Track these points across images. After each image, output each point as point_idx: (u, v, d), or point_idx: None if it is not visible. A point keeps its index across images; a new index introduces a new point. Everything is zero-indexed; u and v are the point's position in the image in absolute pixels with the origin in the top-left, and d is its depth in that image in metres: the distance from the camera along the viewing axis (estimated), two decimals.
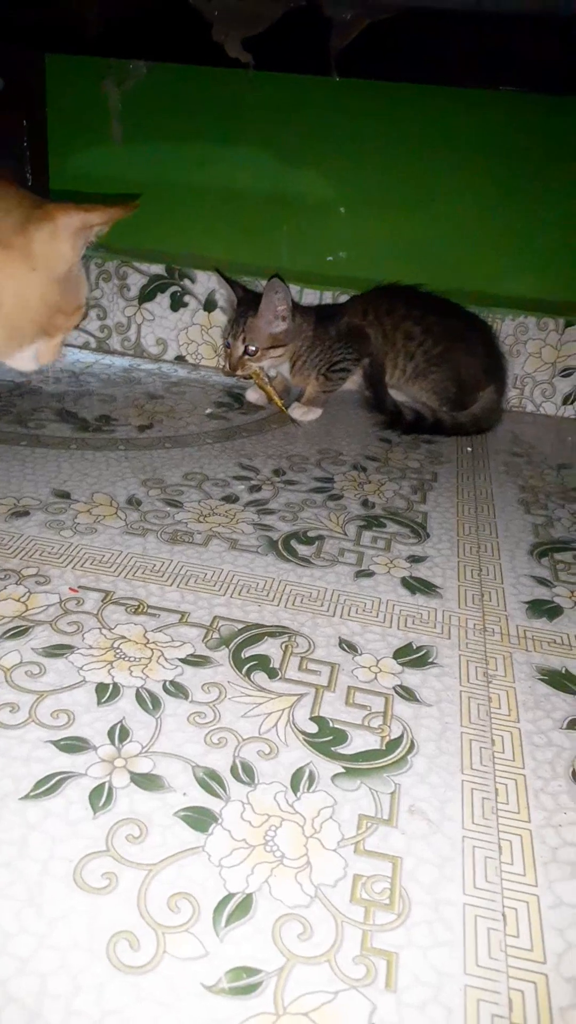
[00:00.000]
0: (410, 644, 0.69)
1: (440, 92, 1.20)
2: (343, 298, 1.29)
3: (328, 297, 1.32)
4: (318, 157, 1.30)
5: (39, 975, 0.39)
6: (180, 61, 1.20)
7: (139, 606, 0.70)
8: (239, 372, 1.18)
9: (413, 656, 0.67)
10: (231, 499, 0.92)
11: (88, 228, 0.64)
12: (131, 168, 1.35)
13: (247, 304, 1.17)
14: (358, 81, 1.20)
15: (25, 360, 0.70)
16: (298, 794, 0.51)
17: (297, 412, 1.19)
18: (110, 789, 0.50)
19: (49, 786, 0.50)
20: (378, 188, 1.30)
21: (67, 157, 1.36)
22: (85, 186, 1.37)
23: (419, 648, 0.69)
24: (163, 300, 1.37)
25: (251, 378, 1.20)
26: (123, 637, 0.66)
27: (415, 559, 0.83)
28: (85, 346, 1.43)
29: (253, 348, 1.15)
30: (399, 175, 1.28)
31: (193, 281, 1.34)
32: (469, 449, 1.16)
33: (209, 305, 1.35)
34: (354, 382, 1.25)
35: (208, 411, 1.20)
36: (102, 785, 0.51)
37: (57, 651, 0.63)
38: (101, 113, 1.32)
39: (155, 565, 0.77)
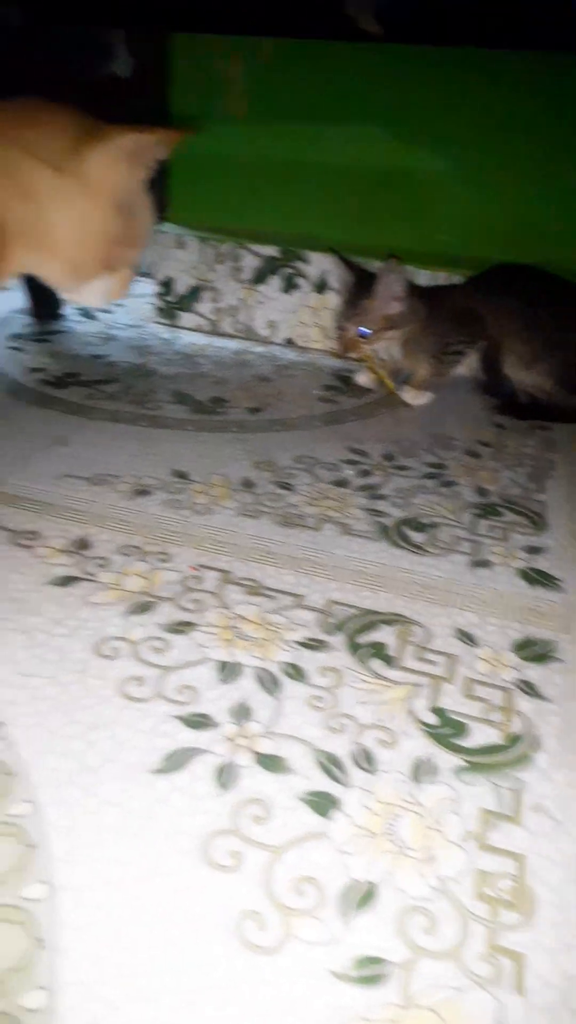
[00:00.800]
0: (530, 638, 0.67)
1: (566, 60, 1.14)
2: (458, 279, 1.26)
3: (443, 278, 1.28)
4: (437, 134, 1.26)
5: (170, 946, 0.41)
6: (309, 36, 1.18)
7: (255, 587, 0.71)
8: (351, 353, 1.17)
9: (534, 650, 0.66)
10: (342, 483, 0.92)
11: (146, 150, 0.61)
12: (249, 149, 1.35)
13: (362, 285, 1.15)
14: (482, 52, 1.16)
15: (92, 295, 0.68)
16: (419, 784, 0.51)
17: (408, 395, 1.17)
18: (234, 768, 0.51)
19: (175, 760, 0.52)
20: (498, 165, 1.25)
21: (188, 138, 1.37)
22: (204, 168, 1.38)
23: (539, 642, 0.67)
24: (276, 282, 1.37)
25: (362, 361, 1.19)
26: (241, 617, 0.67)
27: (533, 550, 0.81)
28: (198, 328, 1.45)
29: (367, 330, 1.14)
30: (519, 151, 1.23)
31: (307, 263, 1.34)
32: None
33: (321, 287, 1.34)
34: (468, 366, 1.22)
35: (317, 393, 1.20)
36: (226, 763, 0.52)
37: (180, 628, 0.65)
38: (223, 93, 1.32)
39: (269, 547, 0.78)
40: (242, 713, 0.56)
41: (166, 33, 1.30)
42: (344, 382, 1.25)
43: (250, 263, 1.37)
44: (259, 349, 1.38)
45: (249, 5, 1.11)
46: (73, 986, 0.38)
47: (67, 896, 0.42)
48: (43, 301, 1.43)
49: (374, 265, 1.16)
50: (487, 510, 0.88)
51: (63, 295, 0.70)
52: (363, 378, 1.23)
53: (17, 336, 1.34)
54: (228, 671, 0.60)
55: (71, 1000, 0.38)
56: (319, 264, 1.33)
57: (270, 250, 1.35)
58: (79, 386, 1.14)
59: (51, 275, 0.66)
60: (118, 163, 0.59)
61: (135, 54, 1.24)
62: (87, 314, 1.48)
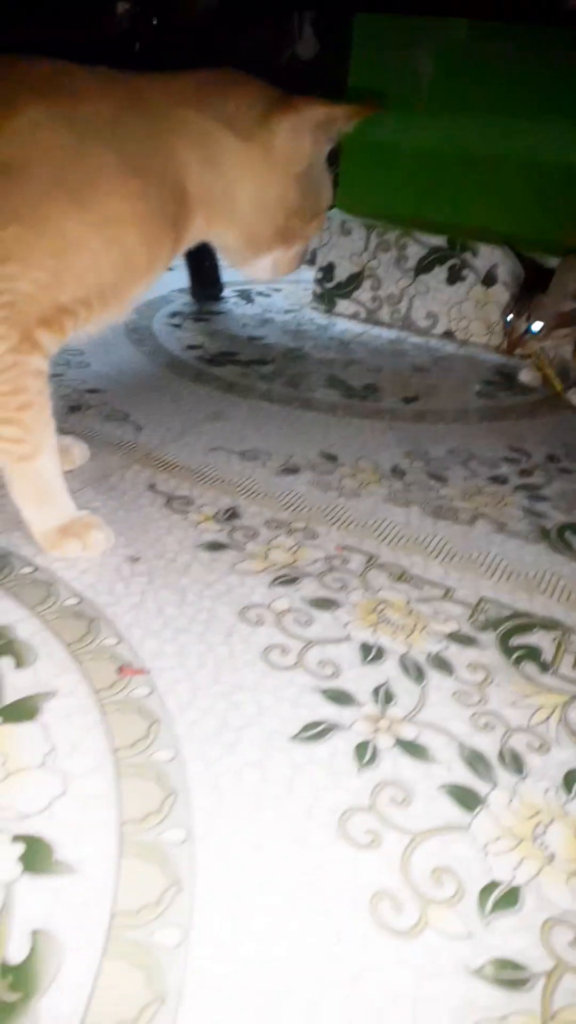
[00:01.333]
0: None
1: None
2: None
3: None
4: None
5: (304, 914, 0.40)
6: (502, 18, 1.14)
7: (402, 574, 0.69)
8: (518, 351, 1.12)
9: None
10: (499, 480, 0.89)
11: (332, 123, 0.60)
12: (424, 135, 1.33)
13: (535, 280, 1.10)
14: None
15: (263, 269, 0.68)
16: (571, 795, 0.48)
17: None
18: (375, 749, 0.50)
19: (315, 732, 0.51)
20: None
21: (362, 123, 1.36)
22: (376, 153, 1.37)
23: None
24: (440, 273, 1.34)
25: (530, 358, 1.14)
26: (386, 602, 0.65)
27: None
28: (355, 316, 1.44)
29: (538, 327, 1.09)
30: None
31: (475, 255, 1.30)
32: None
33: (489, 280, 1.30)
34: None
35: (477, 388, 1.16)
36: (367, 742, 0.50)
37: (323, 604, 0.64)
38: (401, 77, 1.31)
39: (418, 537, 0.76)
40: (384, 696, 0.55)
41: (350, 14, 1.29)
42: (506, 379, 1.21)
43: (415, 252, 1.34)
44: (416, 340, 1.36)
45: None
46: (207, 935, 0.38)
47: (206, 845, 0.43)
48: (204, 281, 1.47)
49: (549, 261, 1.11)
50: None
51: (237, 266, 0.71)
52: (528, 376, 1.19)
53: (176, 314, 1.38)
54: (371, 653, 0.59)
55: (204, 948, 0.38)
56: (488, 257, 1.29)
57: (437, 240, 1.32)
58: (234, 365, 1.16)
59: (228, 245, 0.67)
60: (304, 135, 0.60)
61: (319, 36, 1.24)
62: (246, 297, 1.51)
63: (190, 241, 0.65)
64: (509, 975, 0.38)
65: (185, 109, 0.58)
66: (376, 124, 1.36)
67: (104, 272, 0.58)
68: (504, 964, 0.38)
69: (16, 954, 0.37)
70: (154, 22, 1.22)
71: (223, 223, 0.64)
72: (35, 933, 0.38)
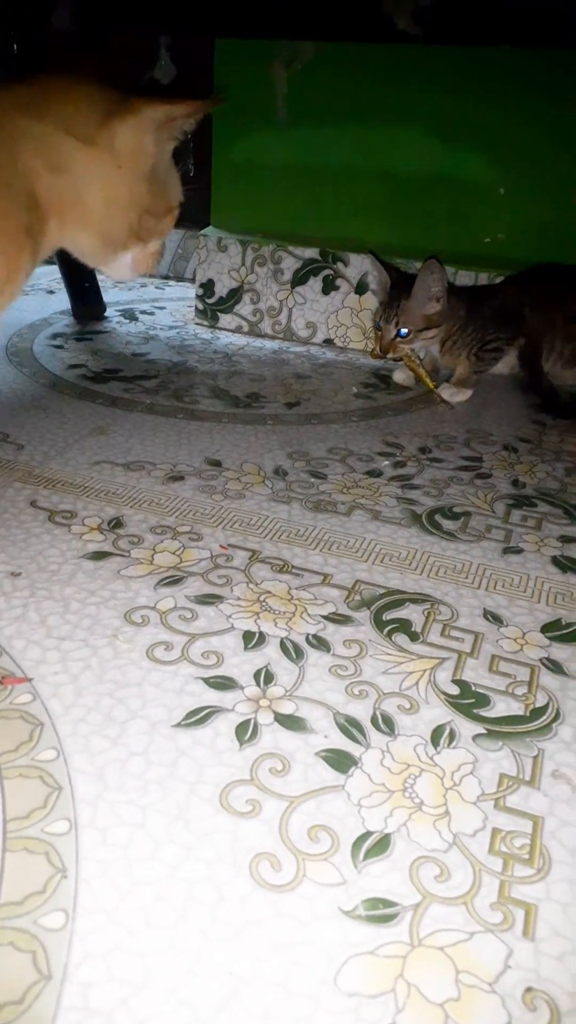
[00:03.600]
0: (559, 620, 0.67)
1: None
2: (500, 280, 1.27)
3: (484, 279, 1.29)
4: (479, 136, 1.28)
5: (187, 882, 0.42)
6: (349, 39, 1.21)
7: (284, 566, 0.72)
8: (390, 354, 1.18)
9: (562, 631, 0.65)
10: (375, 473, 0.93)
11: (173, 121, 0.62)
12: (291, 152, 1.38)
13: (400, 286, 1.16)
14: (529, 52, 1.17)
15: (122, 268, 0.70)
16: (438, 748, 0.51)
17: (447, 392, 1.18)
18: (255, 725, 0.52)
19: (199, 717, 0.53)
20: (540, 167, 1.26)
21: (230, 142, 1.41)
22: (246, 171, 1.42)
23: (568, 624, 0.66)
24: (315, 284, 1.39)
25: (401, 360, 1.20)
26: (269, 592, 0.68)
27: (568, 539, 0.81)
28: (238, 329, 1.48)
29: (406, 330, 1.15)
30: (562, 153, 1.24)
31: (346, 264, 1.36)
32: None
33: (361, 288, 1.36)
34: (508, 364, 1.22)
35: (354, 390, 1.21)
36: (248, 721, 0.53)
37: (208, 600, 0.66)
38: (264, 97, 1.36)
39: (299, 530, 0.79)
40: (265, 677, 0.57)
41: (209, 38, 1.34)
42: (382, 380, 1.26)
43: (290, 264, 1.39)
44: (298, 349, 1.40)
45: (289, 9, 1.14)
46: (93, 912, 0.40)
47: (90, 833, 0.44)
48: (85, 301, 1.48)
49: (414, 267, 1.17)
50: (521, 501, 0.88)
51: (97, 266, 0.72)
52: (401, 376, 1.25)
53: (58, 335, 1.39)
54: (253, 640, 0.61)
55: (90, 924, 0.39)
56: (359, 266, 1.35)
57: (311, 252, 1.37)
58: (119, 381, 1.18)
59: (84, 247, 0.68)
60: (147, 135, 0.61)
61: (177, 60, 1.28)
62: (129, 315, 1.52)
63: (48, 248, 0.66)
64: (380, 912, 0.41)
65: (25, 117, 0.59)
66: (244, 143, 1.41)
67: None
68: (375, 903, 0.41)
69: None
70: (14, 48, 1.23)
71: (76, 226, 0.65)
72: None
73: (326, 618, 0.65)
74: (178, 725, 0.52)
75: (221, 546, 0.75)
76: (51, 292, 1.63)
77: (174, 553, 0.73)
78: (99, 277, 1.50)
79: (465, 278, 1.30)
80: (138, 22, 1.14)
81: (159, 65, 1.29)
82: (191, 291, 1.54)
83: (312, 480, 0.90)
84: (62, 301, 1.50)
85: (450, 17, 1.05)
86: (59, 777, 0.47)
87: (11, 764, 0.48)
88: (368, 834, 0.45)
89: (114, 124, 0.60)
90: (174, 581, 0.69)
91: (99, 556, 0.72)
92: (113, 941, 0.38)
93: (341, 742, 0.52)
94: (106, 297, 1.52)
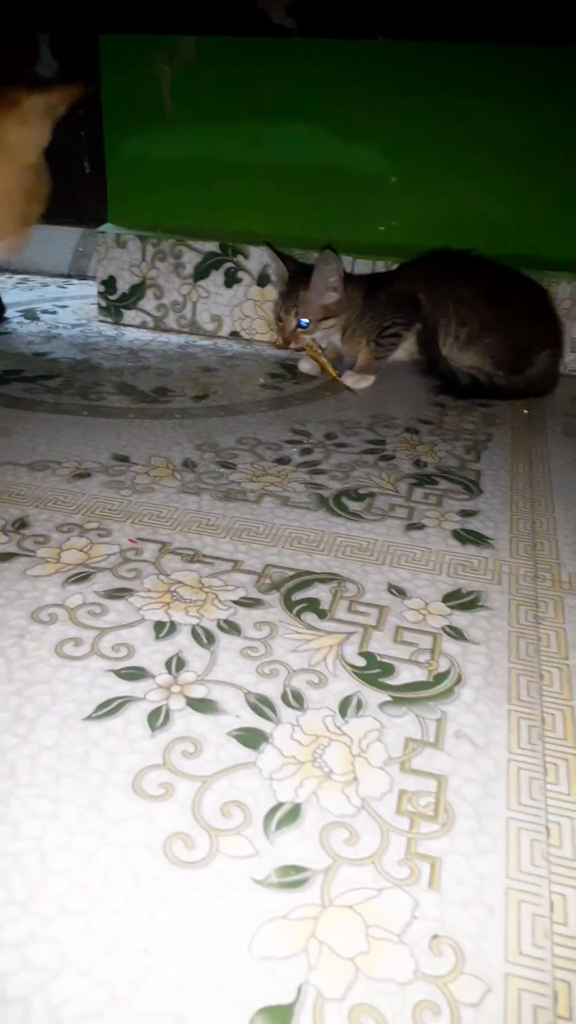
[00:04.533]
0: (460, 589, 0.70)
1: (491, 51, 1.19)
2: (395, 267, 1.30)
3: (380, 267, 1.32)
4: (367, 127, 1.30)
5: (102, 867, 0.42)
6: (224, 33, 1.21)
7: (194, 555, 0.73)
8: (292, 345, 1.19)
9: (463, 600, 0.68)
10: (283, 461, 0.94)
11: (52, 108, 0.64)
12: (184, 147, 1.38)
13: (298, 277, 1.18)
14: (405, 43, 1.20)
15: (3, 250, 0.72)
16: (346, 718, 0.53)
17: (350, 380, 1.20)
18: (167, 712, 0.53)
19: (110, 709, 0.53)
20: (428, 155, 1.30)
21: (123, 138, 1.40)
22: (141, 167, 1.41)
23: (469, 593, 0.69)
24: (217, 277, 1.40)
25: (304, 349, 1.22)
26: (179, 582, 0.68)
27: (467, 513, 0.84)
28: (143, 325, 1.47)
29: (306, 321, 1.16)
30: (449, 141, 1.28)
31: (247, 257, 1.37)
32: (526, 412, 1.15)
33: (262, 280, 1.37)
34: (407, 351, 1.25)
35: (261, 381, 1.22)
36: (159, 708, 0.53)
37: (117, 594, 0.66)
38: (152, 93, 1.35)
39: (209, 520, 0.80)
40: (176, 664, 0.58)
41: (90, 34, 1.32)
42: (289, 370, 1.28)
43: (191, 259, 1.39)
44: (204, 342, 1.40)
45: (167, 3, 1.14)
46: (8, 905, 0.40)
47: (3, 829, 0.44)
48: None
49: (312, 257, 1.19)
50: (423, 480, 0.91)
51: None
52: (306, 365, 1.26)
53: None
54: (164, 629, 0.62)
55: (6, 916, 0.39)
56: (259, 258, 1.36)
57: (211, 246, 1.37)
58: (20, 381, 1.16)
59: None
60: (32, 125, 0.63)
61: (58, 56, 1.26)
62: (30, 315, 1.49)
63: None
64: (291, 878, 0.42)
65: None
66: (137, 139, 1.40)
67: None
68: (287, 870, 0.42)
69: None
70: None
71: None
72: None
73: (237, 603, 0.66)
74: (89, 718, 0.52)
75: (130, 540, 0.75)
76: None
77: (81, 550, 0.73)
78: None
79: (362, 267, 1.32)
80: (17, 22, 1.12)
81: (40, 61, 1.26)
82: (94, 289, 1.52)
83: (222, 471, 0.91)
84: None
85: (323, 11, 1.07)
86: None
87: None
88: (279, 805, 0.46)
89: (14, 119, 0.61)
90: (82, 578, 0.68)
91: (3, 557, 0.71)
92: (27, 930, 0.38)
93: (253, 720, 0.53)
94: (6, 298, 1.49)
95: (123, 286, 1.45)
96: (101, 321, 1.48)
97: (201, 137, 1.37)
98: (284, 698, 0.55)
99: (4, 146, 0.62)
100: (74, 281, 1.81)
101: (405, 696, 0.56)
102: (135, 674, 0.57)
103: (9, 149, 0.62)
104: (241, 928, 0.39)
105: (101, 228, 1.45)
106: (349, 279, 1.19)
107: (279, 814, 0.46)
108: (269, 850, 0.43)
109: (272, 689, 0.56)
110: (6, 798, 0.46)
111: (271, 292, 1.37)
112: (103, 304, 1.48)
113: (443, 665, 0.60)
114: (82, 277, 1.81)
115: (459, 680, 0.58)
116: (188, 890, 0.41)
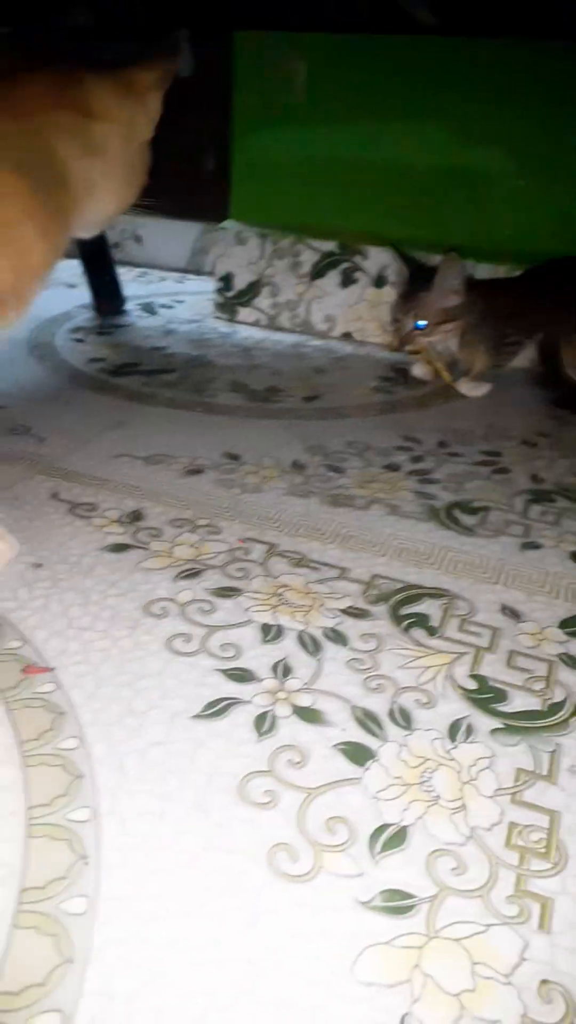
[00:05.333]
0: None
1: None
2: (518, 273, 1.26)
3: (502, 272, 1.28)
4: (497, 128, 1.27)
5: (204, 871, 0.42)
6: (364, 31, 1.20)
7: (301, 559, 0.73)
8: (408, 347, 1.17)
9: None
10: (392, 467, 0.93)
11: (161, 83, 0.68)
12: (310, 145, 1.38)
13: (419, 279, 1.16)
14: (543, 44, 1.16)
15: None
16: (455, 743, 0.52)
17: (465, 387, 1.17)
18: (273, 718, 0.53)
19: (217, 709, 0.53)
20: (559, 157, 1.25)
21: (251, 136, 1.41)
22: (266, 163, 1.42)
23: None
24: (334, 277, 1.39)
25: (419, 353, 1.20)
26: (286, 586, 0.68)
27: None
28: (256, 323, 1.48)
29: (423, 323, 1.14)
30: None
31: (365, 257, 1.35)
32: None
33: (379, 281, 1.36)
34: (527, 358, 1.21)
35: (372, 384, 1.21)
36: (265, 713, 0.53)
37: (226, 593, 0.67)
38: (283, 91, 1.36)
39: (317, 524, 0.79)
40: (283, 670, 0.58)
41: (227, 32, 1.34)
42: (401, 374, 1.26)
43: (309, 258, 1.39)
44: (316, 343, 1.40)
45: (306, 2, 1.13)
46: (112, 900, 0.40)
47: (110, 820, 0.45)
48: (105, 295, 1.49)
49: (433, 260, 1.17)
50: (540, 496, 0.88)
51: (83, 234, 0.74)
52: (419, 370, 1.24)
53: (79, 329, 1.39)
54: (271, 633, 0.62)
55: (110, 910, 0.40)
56: (377, 259, 1.34)
57: (329, 245, 1.37)
58: (138, 375, 1.18)
59: (103, 217, 0.71)
60: (148, 103, 0.67)
61: (196, 54, 1.28)
62: (149, 309, 1.53)
63: (87, 224, 0.70)
64: (397, 903, 0.41)
65: (57, 110, 0.61)
66: (263, 137, 1.41)
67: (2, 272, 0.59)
68: (392, 895, 0.41)
69: None
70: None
71: (104, 199, 0.69)
72: None
73: (343, 612, 0.65)
74: (197, 716, 0.53)
75: (239, 539, 0.76)
76: (72, 286, 1.63)
77: (192, 546, 0.74)
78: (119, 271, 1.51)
79: (483, 271, 1.29)
80: (151, 20, 1.15)
81: (180, 57, 1.29)
82: (210, 285, 1.55)
83: (330, 474, 0.90)
84: (83, 295, 1.50)
85: (461, 7, 1.04)
86: (81, 766, 0.48)
87: (34, 752, 0.49)
88: (385, 826, 0.45)
89: (133, 101, 0.65)
90: (193, 574, 0.69)
91: (119, 548, 0.72)
92: (131, 929, 0.39)
93: (358, 735, 0.52)
94: (126, 291, 1.53)
95: (240, 283, 1.46)
96: (216, 317, 1.50)
97: (327, 135, 1.37)
98: (391, 715, 0.54)
99: (131, 126, 0.66)
100: (191, 276, 1.84)
101: (518, 724, 0.54)
102: (242, 676, 0.57)
103: (133, 129, 0.66)
104: (344, 949, 0.39)
105: (222, 224, 1.46)
106: (472, 284, 1.16)
107: (384, 835, 0.45)
108: (374, 872, 0.43)
109: (379, 705, 0.55)
110: (115, 791, 0.47)
111: (387, 294, 1.35)
112: (219, 301, 1.50)
113: (558, 695, 0.57)
114: (199, 273, 1.84)
115: (575, 712, 0.55)
116: (291, 904, 0.41)
